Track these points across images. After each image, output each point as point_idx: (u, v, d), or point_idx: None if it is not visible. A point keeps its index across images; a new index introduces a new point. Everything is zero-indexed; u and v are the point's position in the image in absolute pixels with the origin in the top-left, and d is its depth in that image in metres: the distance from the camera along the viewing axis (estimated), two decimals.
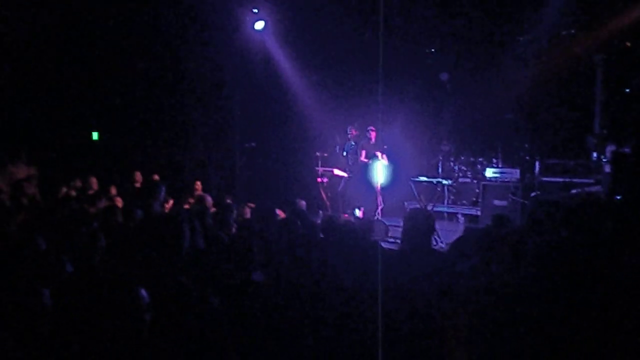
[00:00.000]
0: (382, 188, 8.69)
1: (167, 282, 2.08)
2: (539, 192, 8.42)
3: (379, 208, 8.62)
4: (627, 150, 7.20)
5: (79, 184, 8.68)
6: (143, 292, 1.95)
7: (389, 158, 8.84)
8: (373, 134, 8.90)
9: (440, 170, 10.22)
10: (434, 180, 7.89)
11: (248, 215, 6.08)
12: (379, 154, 8.72)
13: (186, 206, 8.43)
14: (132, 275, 2.08)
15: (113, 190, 8.81)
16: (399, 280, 3.27)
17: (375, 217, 8.34)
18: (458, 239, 4.15)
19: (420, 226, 3.19)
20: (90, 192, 8.45)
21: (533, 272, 2.97)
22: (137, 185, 9.16)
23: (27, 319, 2.53)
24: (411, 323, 3.03)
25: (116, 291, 1.98)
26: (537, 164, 9.31)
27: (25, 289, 2.71)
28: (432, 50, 10.92)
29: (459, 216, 9.47)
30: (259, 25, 10.00)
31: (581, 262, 3.03)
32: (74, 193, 8.30)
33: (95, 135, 11.62)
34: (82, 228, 4.16)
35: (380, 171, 8.67)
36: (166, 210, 7.10)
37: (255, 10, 9.96)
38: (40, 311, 2.51)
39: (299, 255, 3.18)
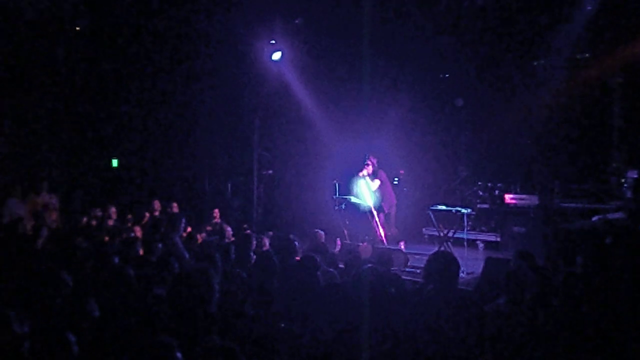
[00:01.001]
0: (378, 210, 8.52)
1: (201, 343, 2.06)
2: (559, 220, 8.28)
3: (384, 236, 8.44)
4: None
5: (99, 213, 8.77)
6: (179, 355, 1.94)
7: (404, 184, 8.74)
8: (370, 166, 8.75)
9: (458, 196, 10.14)
10: (453, 210, 7.82)
11: (267, 246, 6.07)
12: (364, 172, 8.58)
13: (204, 234, 8.49)
14: (163, 333, 2.07)
15: (130, 217, 8.91)
16: (423, 319, 3.23)
17: (393, 246, 8.24)
18: (481, 276, 4.12)
19: (444, 272, 3.15)
20: (110, 221, 8.54)
21: (562, 313, 2.92)
22: (156, 213, 9.22)
23: None
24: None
25: (150, 355, 1.97)
26: (556, 189, 9.19)
27: (52, 333, 2.72)
28: (447, 75, 10.95)
29: (479, 243, 9.36)
30: (276, 55, 10.16)
31: (610, 303, 2.98)
32: (94, 223, 8.40)
33: (115, 162, 11.80)
34: (105, 265, 4.19)
35: (364, 190, 8.53)
36: (184, 236, 7.11)
37: (273, 42, 10.14)
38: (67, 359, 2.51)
39: (320, 297, 3.16)
